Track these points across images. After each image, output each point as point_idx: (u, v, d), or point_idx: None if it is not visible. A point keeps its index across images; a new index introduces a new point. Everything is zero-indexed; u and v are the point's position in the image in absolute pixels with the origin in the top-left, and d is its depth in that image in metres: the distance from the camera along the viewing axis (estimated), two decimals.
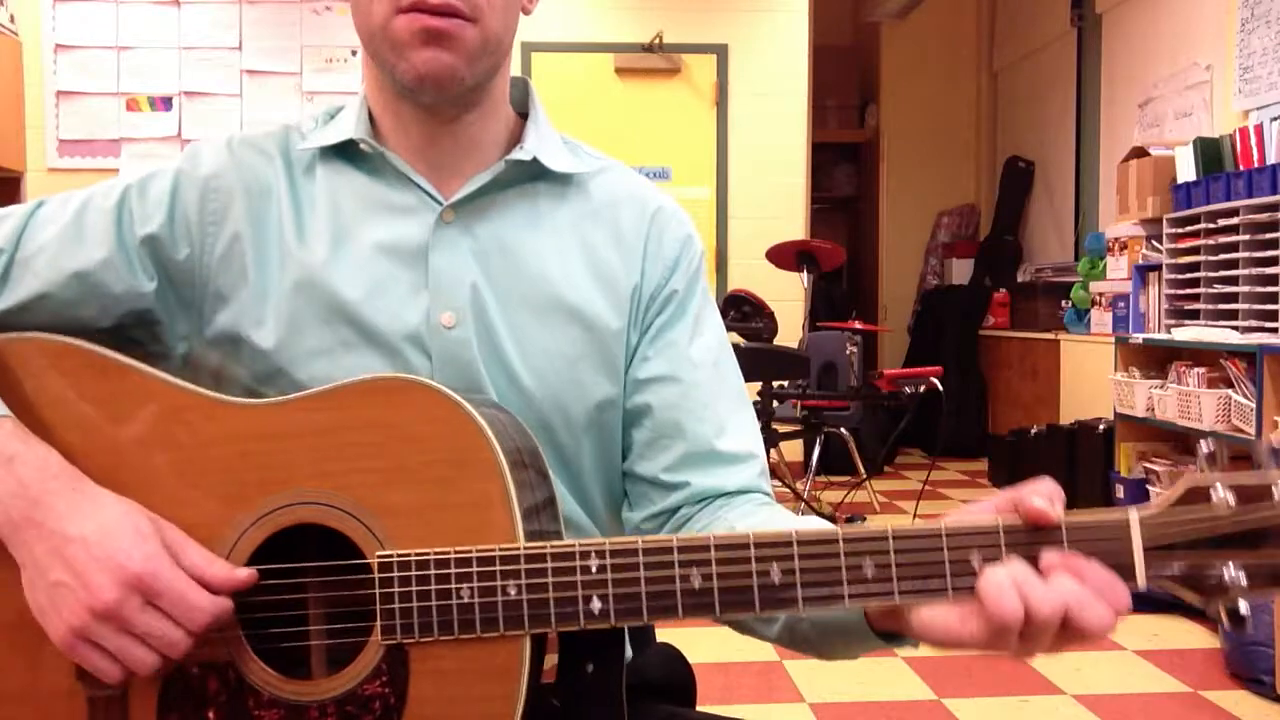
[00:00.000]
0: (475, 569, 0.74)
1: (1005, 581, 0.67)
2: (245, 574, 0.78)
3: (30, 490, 0.79)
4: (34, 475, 0.79)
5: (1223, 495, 0.68)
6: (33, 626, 0.79)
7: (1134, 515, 0.69)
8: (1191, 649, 3.04)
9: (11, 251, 0.91)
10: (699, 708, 1.08)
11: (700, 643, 3.08)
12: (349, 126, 0.95)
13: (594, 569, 0.73)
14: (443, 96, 0.90)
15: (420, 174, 0.94)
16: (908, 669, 2.91)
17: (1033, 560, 0.69)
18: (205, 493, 0.81)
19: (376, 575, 0.76)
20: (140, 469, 0.83)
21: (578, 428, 0.95)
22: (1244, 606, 0.68)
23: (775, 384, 4.43)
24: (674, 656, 1.10)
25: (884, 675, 2.88)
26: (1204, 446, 0.71)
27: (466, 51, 0.88)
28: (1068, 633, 0.67)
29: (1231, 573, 0.68)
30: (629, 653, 1.04)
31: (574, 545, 0.74)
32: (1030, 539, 0.70)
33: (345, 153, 0.95)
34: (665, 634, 1.12)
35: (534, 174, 0.97)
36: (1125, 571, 0.69)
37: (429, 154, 0.95)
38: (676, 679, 1.08)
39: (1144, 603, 3.35)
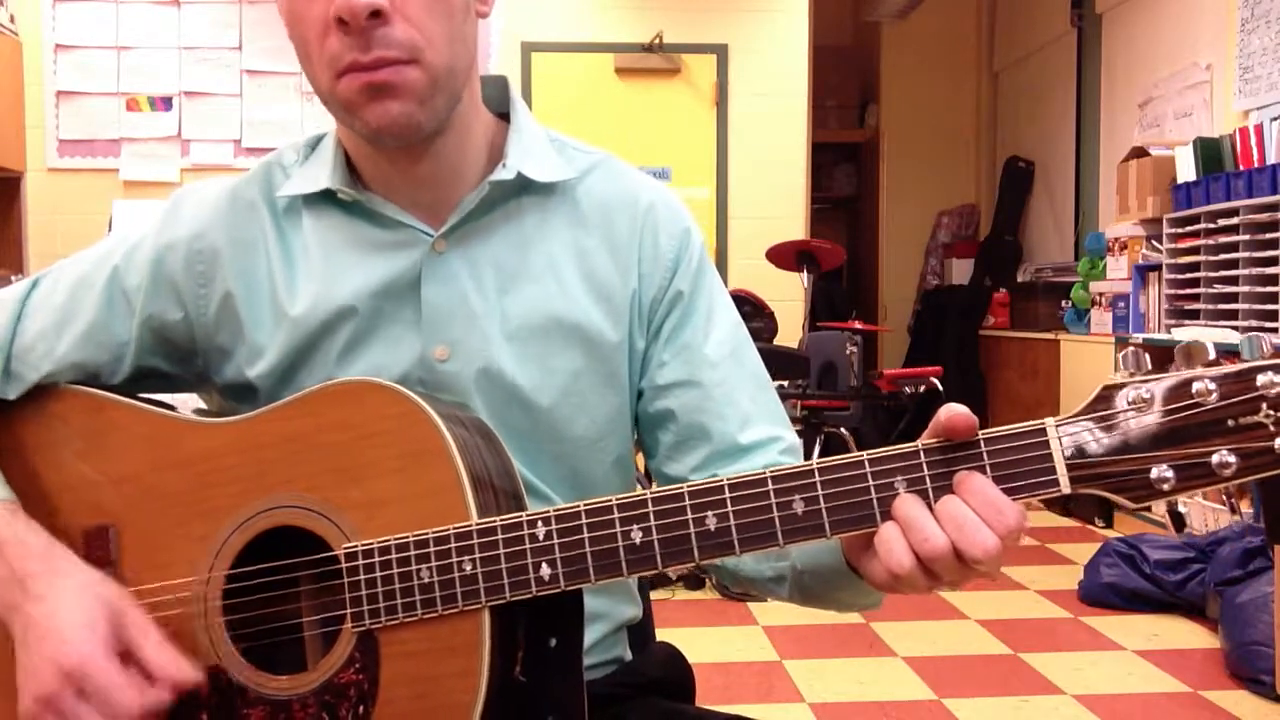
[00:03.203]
0: (432, 549, 0.78)
1: (892, 536, 0.70)
2: (191, 675, 0.81)
3: (15, 574, 0.83)
4: (18, 560, 0.83)
5: (1141, 395, 0.67)
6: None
7: (1051, 422, 0.69)
8: (1191, 649, 3.04)
9: (8, 347, 0.94)
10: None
11: (700, 643, 3.09)
12: (326, 174, 0.93)
13: (541, 536, 0.76)
14: (405, 142, 0.89)
15: (406, 211, 0.93)
16: (908, 669, 2.91)
17: (952, 478, 0.70)
18: (188, 510, 0.86)
19: (344, 566, 0.80)
20: (128, 496, 0.88)
21: (585, 441, 0.96)
22: (1182, 505, 0.68)
23: (775, 384, 4.42)
24: (674, 656, 1.11)
25: (884, 675, 2.88)
26: (1125, 351, 0.71)
27: (415, 95, 0.85)
28: (964, 562, 0.69)
29: (1158, 472, 0.67)
30: (628, 654, 1.05)
31: (521, 516, 0.77)
32: (950, 458, 0.71)
33: (329, 196, 0.94)
34: (665, 634, 1.12)
35: (520, 188, 0.95)
36: (1047, 479, 0.69)
37: (411, 189, 0.93)
38: (676, 678, 1.09)
39: (1144, 603, 3.36)
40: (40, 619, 0.80)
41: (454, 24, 0.87)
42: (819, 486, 0.72)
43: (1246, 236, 3.84)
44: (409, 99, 0.85)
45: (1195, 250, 4.16)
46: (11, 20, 4.92)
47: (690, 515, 0.74)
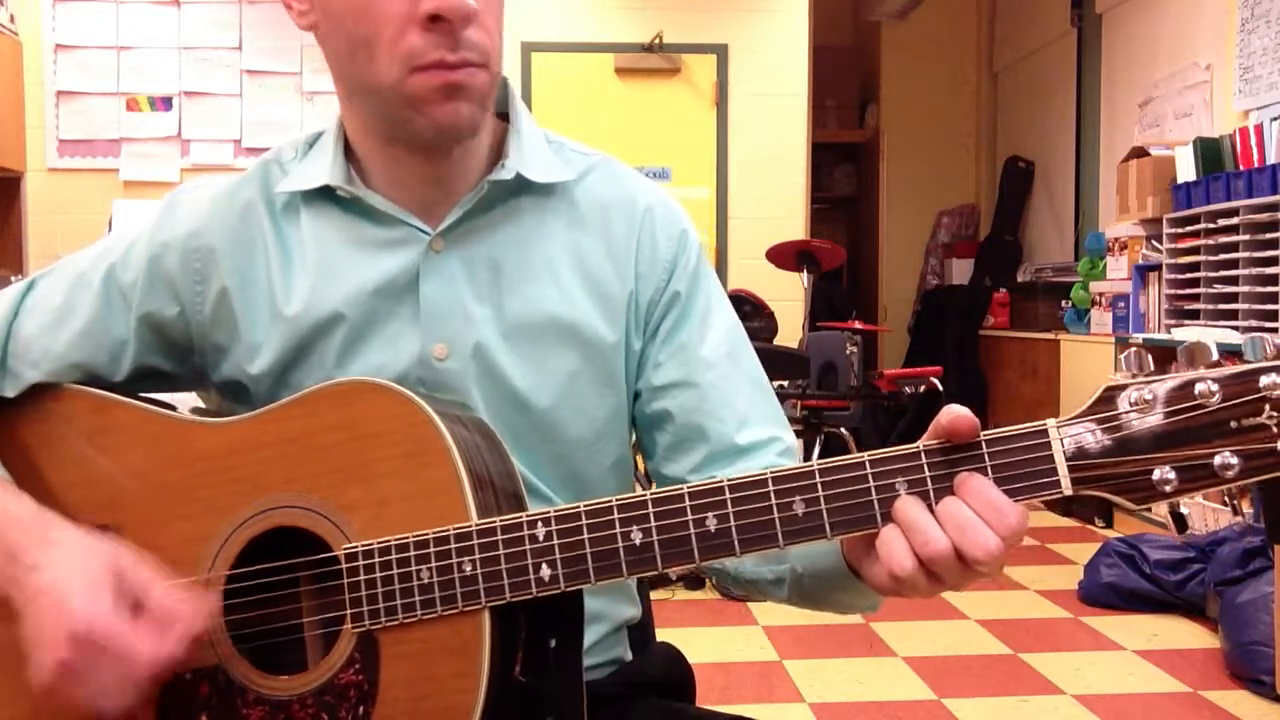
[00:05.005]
0: (432, 549, 0.78)
1: (893, 538, 0.70)
2: (203, 616, 0.80)
3: (6, 547, 0.81)
4: (8, 531, 0.82)
5: (1143, 395, 0.67)
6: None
7: (1053, 423, 0.69)
8: (1191, 649, 3.04)
9: (4, 343, 0.94)
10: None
11: (700, 643, 3.09)
12: (325, 170, 0.93)
13: (541, 537, 0.76)
14: (456, 142, 0.90)
15: (405, 209, 0.93)
16: (908, 669, 2.92)
17: (953, 480, 0.70)
18: (189, 509, 0.86)
19: (344, 566, 0.80)
20: (130, 495, 0.88)
21: (583, 442, 0.96)
22: (1184, 506, 0.68)
23: (775, 384, 4.42)
24: (674, 656, 1.11)
25: (884, 675, 2.88)
26: (1128, 352, 0.70)
27: (480, 98, 0.88)
28: (966, 564, 0.69)
29: (1161, 473, 0.66)
30: (628, 654, 1.05)
31: (521, 517, 0.77)
32: (951, 459, 0.71)
33: (327, 193, 0.94)
34: (665, 634, 1.12)
35: (518, 188, 0.95)
36: (1049, 480, 0.68)
37: (417, 189, 0.93)
38: (676, 678, 1.09)
39: (1144, 603, 3.35)
40: (42, 588, 0.78)
41: (501, 31, 0.90)
42: (820, 488, 0.72)
43: (1246, 236, 3.84)
44: (475, 102, 0.87)
45: (1195, 250, 4.16)
46: (11, 20, 4.92)
47: (690, 516, 0.74)
